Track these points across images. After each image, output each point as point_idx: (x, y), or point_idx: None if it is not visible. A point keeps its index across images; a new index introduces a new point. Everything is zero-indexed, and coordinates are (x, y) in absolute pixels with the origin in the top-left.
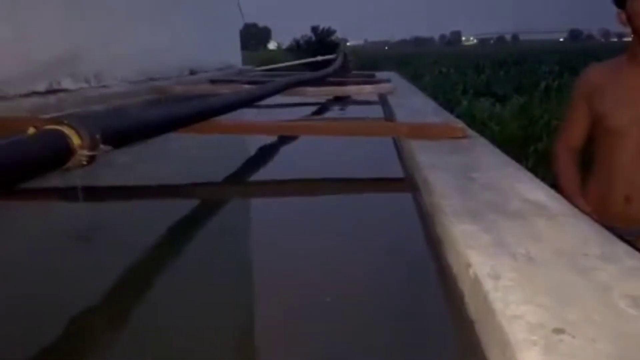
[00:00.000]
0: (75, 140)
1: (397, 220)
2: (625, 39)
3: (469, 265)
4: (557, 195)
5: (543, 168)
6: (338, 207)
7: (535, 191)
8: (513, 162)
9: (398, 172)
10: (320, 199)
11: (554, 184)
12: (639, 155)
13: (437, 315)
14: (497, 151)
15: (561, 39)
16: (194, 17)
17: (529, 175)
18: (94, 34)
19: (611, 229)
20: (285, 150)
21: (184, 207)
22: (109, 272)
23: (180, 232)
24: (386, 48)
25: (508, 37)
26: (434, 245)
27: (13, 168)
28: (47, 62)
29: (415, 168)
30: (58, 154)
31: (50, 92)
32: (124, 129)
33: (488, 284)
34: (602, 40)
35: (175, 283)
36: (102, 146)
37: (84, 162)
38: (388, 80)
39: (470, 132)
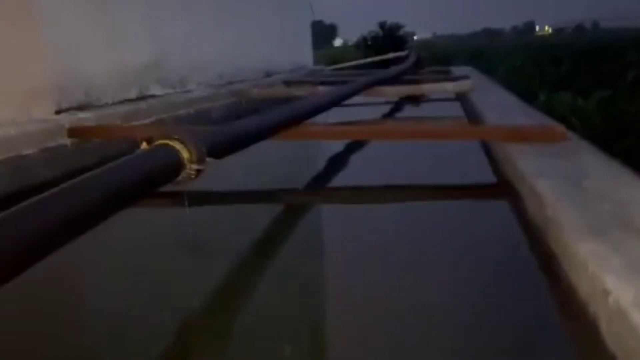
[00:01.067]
0: (185, 155)
1: (497, 232)
2: None
3: (607, 292)
4: None
5: (632, 165)
6: (431, 215)
7: None
8: (625, 169)
9: (492, 178)
10: (412, 206)
11: None
12: None
13: (564, 348)
14: (605, 156)
15: None
16: (268, 18)
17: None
18: (177, 39)
19: None
20: (371, 154)
21: (270, 212)
22: (208, 273)
23: (270, 238)
24: (456, 41)
25: (587, 24)
26: (546, 264)
27: (130, 185)
28: (137, 69)
29: (514, 174)
30: (170, 168)
31: (140, 98)
32: (226, 141)
33: (636, 315)
34: None
35: (269, 287)
36: (208, 159)
37: (193, 176)
38: (467, 77)
39: (570, 134)
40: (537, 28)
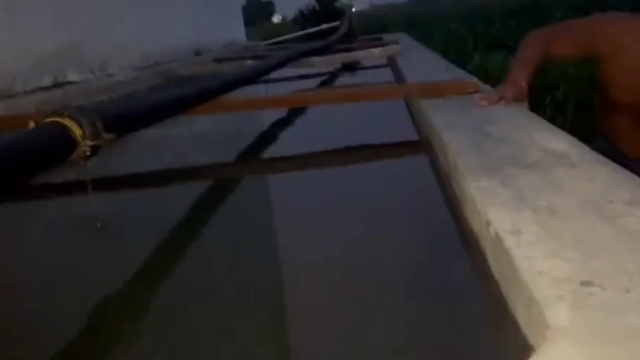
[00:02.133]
0: (77, 131)
1: (414, 183)
2: None
3: (488, 223)
4: (578, 142)
5: (561, 117)
6: (355, 176)
7: (554, 140)
8: (530, 113)
9: (412, 134)
10: (336, 169)
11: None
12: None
13: (460, 276)
14: (513, 103)
15: None
16: None
17: (547, 124)
18: (94, 22)
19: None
20: (296, 122)
21: (198, 190)
22: (125, 261)
23: (198, 216)
24: (393, 10)
25: None
26: (452, 206)
27: (15, 164)
28: (50, 55)
29: (429, 128)
30: (61, 147)
31: (56, 85)
32: (126, 115)
33: (509, 241)
34: None
35: (197, 268)
36: (105, 135)
37: (88, 153)
38: (396, 42)
39: (483, 86)
40: None
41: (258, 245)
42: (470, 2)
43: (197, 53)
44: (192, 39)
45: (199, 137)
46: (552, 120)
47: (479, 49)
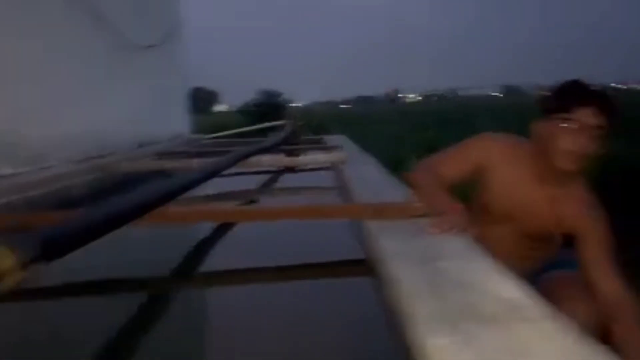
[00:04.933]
0: (7, 261)
1: (359, 312)
2: None
3: None
4: (528, 290)
5: None
6: (299, 295)
7: (507, 287)
8: (477, 248)
9: (359, 255)
10: (272, 285)
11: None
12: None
13: None
14: (456, 232)
15: (498, 94)
16: (138, 88)
17: (494, 264)
18: (31, 113)
19: None
20: (238, 236)
21: (134, 305)
22: None
23: (131, 331)
24: (331, 108)
25: (448, 93)
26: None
27: None
28: None
29: (376, 253)
30: None
31: None
32: (64, 240)
33: None
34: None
35: None
36: (35, 263)
37: (19, 281)
38: (340, 147)
39: (426, 210)
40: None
41: None
42: (406, 107)
43: (140, 145)
44: (135, 131)
45: (133, 249)
46: None
47: (415, 152)
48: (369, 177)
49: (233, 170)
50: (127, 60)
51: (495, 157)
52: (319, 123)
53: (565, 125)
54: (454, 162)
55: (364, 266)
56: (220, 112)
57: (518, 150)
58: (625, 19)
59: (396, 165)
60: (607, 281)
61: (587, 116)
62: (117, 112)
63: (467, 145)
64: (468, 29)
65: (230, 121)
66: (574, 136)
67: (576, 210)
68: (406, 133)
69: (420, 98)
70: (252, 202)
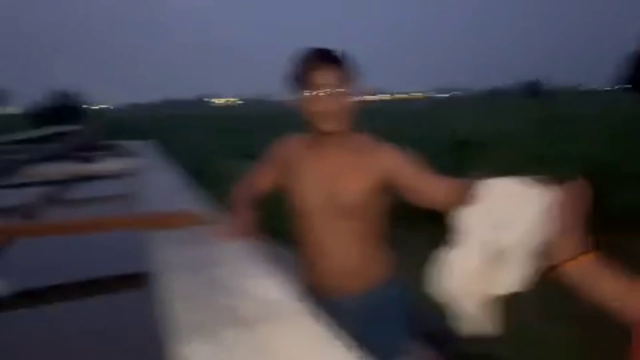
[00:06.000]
0: None
1: (133, 326)
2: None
3: None
4: (293, 292)
5: None
6: (79, 313)
7: (272, 290)
8: (251, 251)
9: (138, 269)
10: (51, 310)
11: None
12: (328, 233)
13: None
14: (237, 239)
15: None
16: None
17: (267, 268)
18: None
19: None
20: (16, 254)
21: None
22: None
23: None
24: (137, 110)
25: (261, 97)
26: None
27: None
28: None
29: (153, 265)
30: None
31: None
32: None
33: None
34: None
35: None
36: None
37: None
38: (135, 154)
39: (216, 217)
40: (225, 100)
41: None
42: (215, 110)
43: None
44: None
45: None
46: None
47: (223, 157)
48: (161, 185)
49: (14, 181)
50: None
51: (293, 150)
52: (122, 127)
53: (308, 93)
54: (262, 171)
55: (141, 279)
56: (5, 115)
57: (310, 139)
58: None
59: (204, 169)
60: (437, 183)
61: (320, 77)
62: None
63: (269, 151)
64: (277, 32)
65: (19, 124)
66: (317, 99)
67: (373, 150)
68: (215, 137)
69: (230, 102)
70: (30, 217)
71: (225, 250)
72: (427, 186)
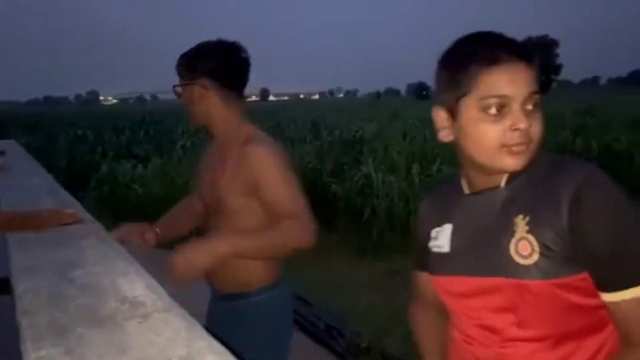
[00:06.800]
0: None
1: None
2: None
3: None
4: (158, 287)
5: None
6: None
7: (135, 286)
8: (121, 250)
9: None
10: None
11: None
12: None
13: None
14: (107, 238)
15: None
16: None
17: (136, 266)
18: None
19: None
20: None
21: None
22: None
23: None
24: (14, 108)
25: (147, 96)
26: None
27: None
28: None
29: (14, 268)
30: None
31: None
32: None
33: None
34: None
35: None
36: None
37: None
38: (2, 153)
39: (84, 215)
40: (102, 98)
41: None
42: (98, 109)
43: None
44: None
45: None
46: None
47: (107, 157)
48: (25, 185)
49: None
50: None
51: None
52: None
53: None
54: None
55: (6, 284)
56: None
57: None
58: None
59: (87, 171)
60: (290, 200)
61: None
62: None
63: None
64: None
65: None
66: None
67: (236, 149)
68: (99, 137)
69: (116, 100)
70: None
71: (96, 250)
72: (285, 208)
